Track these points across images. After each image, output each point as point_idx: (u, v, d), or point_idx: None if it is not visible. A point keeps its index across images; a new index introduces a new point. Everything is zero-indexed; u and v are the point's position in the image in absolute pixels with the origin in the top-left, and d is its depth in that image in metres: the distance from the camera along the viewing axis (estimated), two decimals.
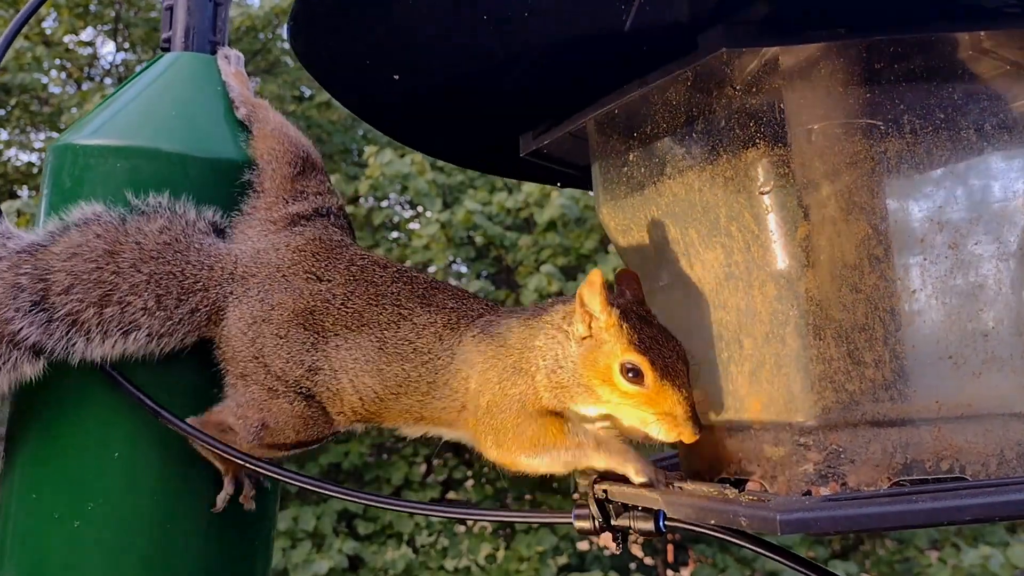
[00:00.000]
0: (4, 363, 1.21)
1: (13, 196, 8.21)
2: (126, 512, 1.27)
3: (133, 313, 1.22)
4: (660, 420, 1.02)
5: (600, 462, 1.08)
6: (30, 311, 1.20)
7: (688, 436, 1.01)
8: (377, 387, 1.22)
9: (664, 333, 1.07)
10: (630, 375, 1.03)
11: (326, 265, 1.27)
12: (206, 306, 1.25)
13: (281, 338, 1.23)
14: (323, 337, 1.23)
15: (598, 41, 1.04)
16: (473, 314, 1.22)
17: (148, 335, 1.23)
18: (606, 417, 1.09)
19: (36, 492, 1.28)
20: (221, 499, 1.28)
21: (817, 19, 0.92)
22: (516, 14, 0.99)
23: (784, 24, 0.93)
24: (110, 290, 1.22)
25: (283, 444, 1.25)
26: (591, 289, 1.05)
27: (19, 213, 5.77)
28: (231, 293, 1.26)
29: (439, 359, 1.20)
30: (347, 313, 1.24)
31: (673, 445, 1.09)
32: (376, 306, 1.24)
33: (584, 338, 1.07)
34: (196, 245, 1.27)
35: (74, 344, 1.21)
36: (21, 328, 1.20)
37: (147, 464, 1.28)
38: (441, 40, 1.10)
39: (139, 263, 1.24)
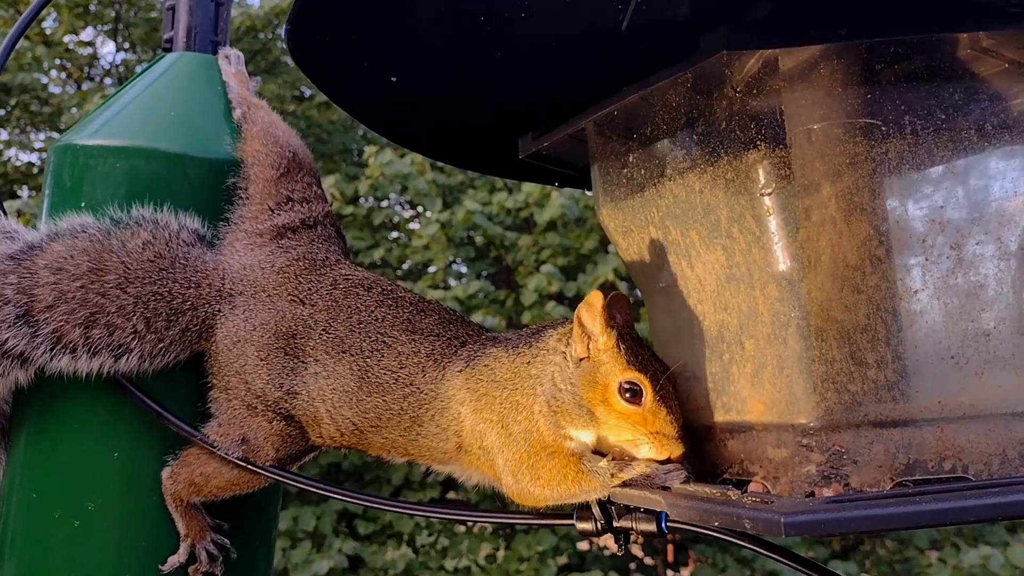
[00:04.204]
0: None
1: (13, 196, 8.20)
2: (126, 512, 1.27)
3: (123, 336, 1.21)
4: (652, 440, 1.03)
5: (624, 477, 1.05)
6: (14, 324, 1.20)
7: (677, 453, 1.02)
8: (356, 419, 1.19)
9: (655, 355, 1.08)
10: (628, 395, 1.03)
11: (309, 288, 1.24)
12: (196, 325, 1.24)
13: (262, 360, 1.21)
14: (303, 363, 1.21)
15: (597, 43, 1.04)
16: (456, 343, 1.19)
17: (140, 357, 1.22)
18: (596, 442, 1.08)
19: (36, 491, 1.29)
20: (171, 562, 1.25)
21: (818, 20, 0.92)
22: (514, 15, 0.98)
23: (785, 26, 0.93)
24: (96, 311, 1.21)
25: (263, 462, 1.23)
26: (591, 311, 1.04)
27: (19, 213, 5.76)
28: (219, 311, 1.24)
29: (422, 392, 1.17)
30: (328, 340, 1.21)
31: None
32: (358, 333, 1.21)
33: (582, 359, 1.06)
34: (181, 260, 1.25)
35: (59, 359, 1.21)
36: (7, 339, 1.20)
37: (147, 464, 1.28)
38: (439, 42, 1.10)
39: (125, 284, 1.22)
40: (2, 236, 1.25)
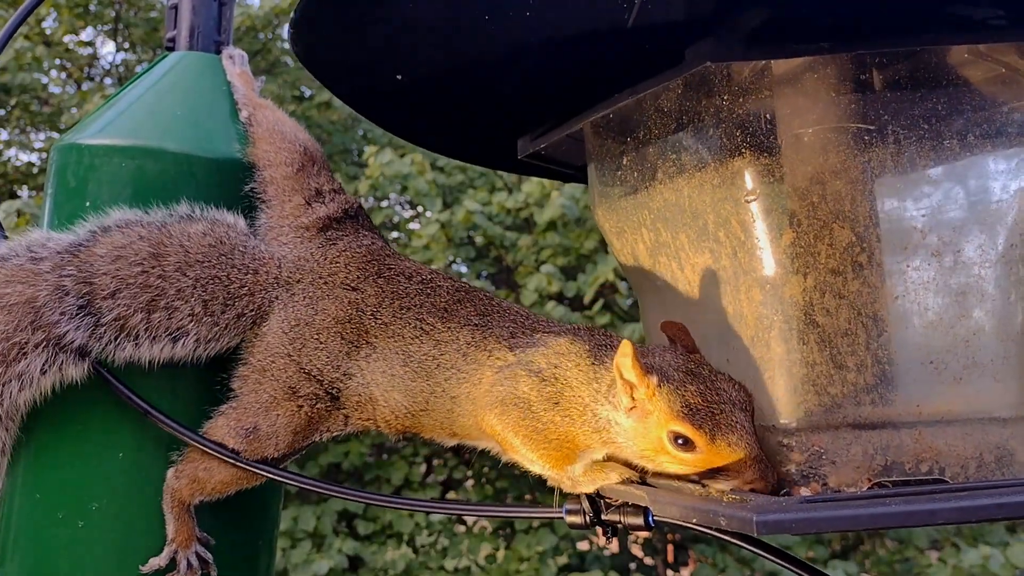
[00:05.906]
0: (50, 366, 1.20)
1: (13, 196, 8.20)
2: (130, 513, 1.27)
3: (181, 319, 1.22)
4: (726, 475, 0.98)
5: (585, 487, 1.08)
6: (76, 315, 1.19)
7: (761, 486, 0.96)
8: (406, 402, 1.21)
9: (713, 383, 1.01)
10: (679, 443, 0.98)
11: (358, 276, 1.27)
12: (251, 310, 1.25)
13: (321, 343, 1.23)
14: (356, 347, 1.23)
15: (598, 43, 1.05)
16: (502, 332, 1.19)
17: (196, 340, 1.23)
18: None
19: (40, 492, 1.28)
20: (151, 564, 1.24)
21: (802, 33, 0.94)
22: (517, 14, 0.99)
23: (769, 38, 0.94)
24: (157, 295, 1.21)
25: (264, 456, 1.23)
26: (624, 360, 1.01)
27: (19, 213, 5.73)
28: (277, 298, 1.25)
29: (462, 372, 1.18)
30: (376, 325, 1.23)
31: None
32: (401, 320, 1.23)
33: (631, 409, 1.03)
34: (240, 248, 1.26)
35: (123, 348, 1.21)
36: (67, 331, 1.19)
37: (151, 465, 1.27)
38: (443, 41, 1.11)
39: (184, 267, 1.23)
40: (50, 239, 1.23)
